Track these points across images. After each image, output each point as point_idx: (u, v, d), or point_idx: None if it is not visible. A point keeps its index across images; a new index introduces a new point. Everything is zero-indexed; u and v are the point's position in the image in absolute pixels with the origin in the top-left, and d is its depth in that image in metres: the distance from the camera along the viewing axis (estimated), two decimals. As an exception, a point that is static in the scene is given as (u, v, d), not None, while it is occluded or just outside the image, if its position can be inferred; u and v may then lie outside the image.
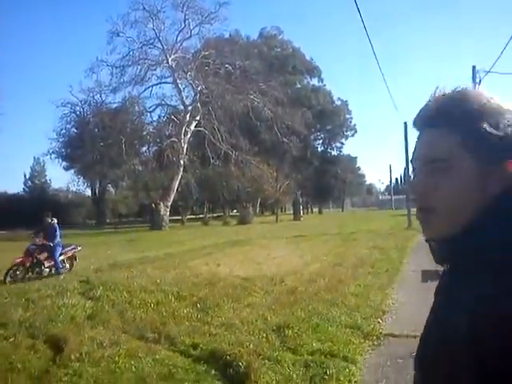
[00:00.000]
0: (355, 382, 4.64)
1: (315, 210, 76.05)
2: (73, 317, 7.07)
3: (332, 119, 62.70)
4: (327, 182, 64.27)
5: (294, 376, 4.63)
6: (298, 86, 60.37)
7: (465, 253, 0.84)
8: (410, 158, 0.98)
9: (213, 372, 4.86)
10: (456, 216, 0.85)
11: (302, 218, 44.82)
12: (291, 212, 50.16)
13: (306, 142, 55.52)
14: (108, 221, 50.80)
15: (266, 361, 5.04)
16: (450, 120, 0.87)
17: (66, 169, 50.61)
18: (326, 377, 4.54)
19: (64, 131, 46.89)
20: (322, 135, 67.38)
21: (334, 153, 69.31)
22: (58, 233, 12.22)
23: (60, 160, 49.81)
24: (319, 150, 68.11)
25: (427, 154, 0.90)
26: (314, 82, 64.50)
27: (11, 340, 6.02)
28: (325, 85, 64.31)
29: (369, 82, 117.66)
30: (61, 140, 47.56)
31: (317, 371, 4.69)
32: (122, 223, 47.41)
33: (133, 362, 5.18)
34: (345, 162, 67.79)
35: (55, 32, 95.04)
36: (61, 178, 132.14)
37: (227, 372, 4.81)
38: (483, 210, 0.83)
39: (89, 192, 54.31)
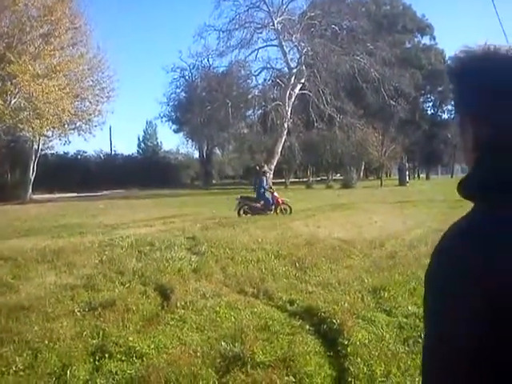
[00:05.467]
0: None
1: (422, 175, 73.00)
2: (179, 269, 7.59)
3: (444, 80, 58.67)
4: (436, 146, 60.81)
5: (387, 336, 4.64)
6: (408, 45, 57.05)
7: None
8: None
9: (307, 327, 5.02)
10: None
11: (407, 184, 43.26)
12: (396, 177, 48.59)
13: (415, 105, 52.74)
14: (214, 182, 52.57)
15: (360, 320, 5.11)
16: None
17: (176, 131, 53.41)
18: (419, 340, 4.49)
19: (174, 95, 49.67)
20: (433, 97, 63.59)
21: (445, 116, 65.19)
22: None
23: (170, 123, 52.77)
24: (429, 113, 64.42)
25: None
26: (426, 40, 60.70)
27: (127, 286, 6.69)
28: (437, 43, 60.35)
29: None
30: (171, 104, 50.49)
31: (411, 334, 4.66)
32: (227, 184, 48.86)
33: (232, 313, 5.50)
34: (456, 126, 63.18)
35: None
36: (171, 141, 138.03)
37: (321, 328, 4.95)
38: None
39: (197, 154, 56.44)
